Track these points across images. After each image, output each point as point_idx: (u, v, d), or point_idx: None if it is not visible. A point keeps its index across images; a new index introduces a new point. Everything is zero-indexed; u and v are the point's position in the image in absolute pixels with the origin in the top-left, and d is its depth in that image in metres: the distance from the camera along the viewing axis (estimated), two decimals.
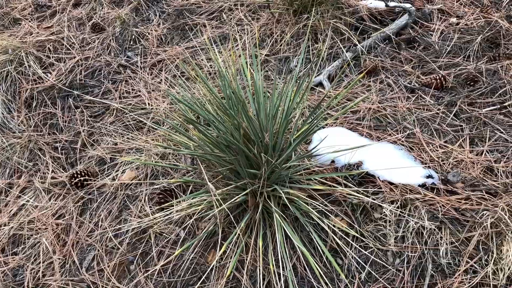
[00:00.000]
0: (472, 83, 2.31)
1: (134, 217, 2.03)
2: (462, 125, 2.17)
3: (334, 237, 1.78)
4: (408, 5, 2.73)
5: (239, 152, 1.80)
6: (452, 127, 2.17)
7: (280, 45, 2.69)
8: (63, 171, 2.36)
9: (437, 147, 2.11)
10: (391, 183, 1.96)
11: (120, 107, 2.53)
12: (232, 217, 1.84)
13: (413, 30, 2.66)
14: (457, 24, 2.69)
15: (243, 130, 1.77)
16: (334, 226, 1.80)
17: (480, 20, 2.68)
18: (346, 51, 2.57)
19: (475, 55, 2.48)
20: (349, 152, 1.96)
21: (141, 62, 2.81)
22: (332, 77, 2.51)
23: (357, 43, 2.59)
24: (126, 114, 2.51)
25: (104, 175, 2.27)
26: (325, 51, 2.60)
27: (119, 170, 2.26)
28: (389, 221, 1.81)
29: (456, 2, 2.86)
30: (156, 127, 2.37)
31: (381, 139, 2.17)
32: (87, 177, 2.23)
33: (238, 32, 2.85)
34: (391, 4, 2.75)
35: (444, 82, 2.33)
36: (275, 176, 1.87)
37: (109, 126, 2.47)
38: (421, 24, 2.70)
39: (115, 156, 2.34)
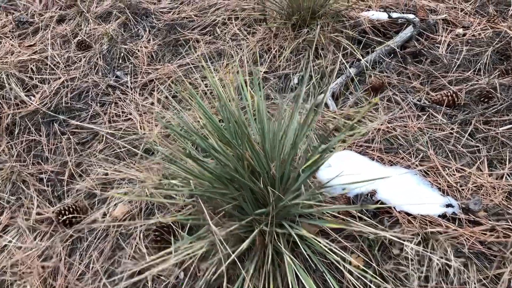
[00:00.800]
0: (486, 100, 2.17)
1: (128, 258, 1.85)
2: (478, 146, 2.03)
3: (351, 277, 1.62)
4: (411, 16, 2.59)
5: (244, 186, 1.64)
6: (468, 148, 2.03)
7: (280, 61, 2.53)
8: (49, 206, 2.17)
9: (453, 171, 1.96)
10: (409, 214, 1.81)
11: (110, 132, 2.35)
12: (236, 258, 1.67)
13: (418, 42, 2.52)
14: (464, 35, 2.55)
15: (247, 161, 1.61)
16: (350, 263, 1.64)
17: (487, 30, 2.55)
18: (350, 67, 2.42)
19: (485, 68, 2.34)
20: (366, 184, 1.80)
21: (131, 82, 2.63)
22: (337, 95, 2.36)
23: (360, 57, 2.44)
24: (117, 140, 2.33)
25: (94, 210, 2.09)
26: (327, 67, 2.45)
27: (110, 204, 2.08)
28: (410, 259, 1.66)
29: (461, 11, 2.73)
30: (148, 157, 2.20)
31: (394, 163, 2.02)
32: (75, 214, 2.04)
33: (234, 47, 2.68)
34: (394, 15, 2.60)
35: (456, 99, 2.18)
36: (284, 212, 1.71)
37: (99, 155, 2.29)
38: (427, 36, 2.56)
39: (106, 188, 2.16)
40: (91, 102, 2.59)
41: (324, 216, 1.78)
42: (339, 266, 1.62)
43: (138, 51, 2.83)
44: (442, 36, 2.53)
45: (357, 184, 1.84)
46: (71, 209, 2.05)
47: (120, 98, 2.57)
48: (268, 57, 2.58)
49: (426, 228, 1.74)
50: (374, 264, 1.67)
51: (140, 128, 2.37)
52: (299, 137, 1.69)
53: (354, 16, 2.65)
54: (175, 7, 3.15)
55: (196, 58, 2.67)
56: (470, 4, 2.77)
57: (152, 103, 2.49)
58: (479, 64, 2.35)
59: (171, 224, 1.93)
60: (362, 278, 1.63)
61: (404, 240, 1.65)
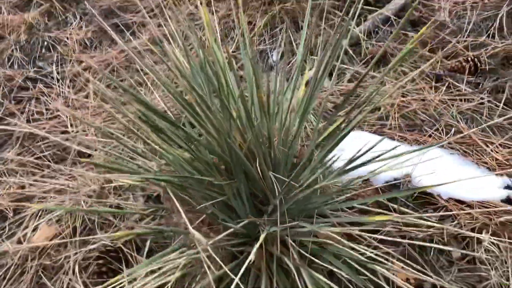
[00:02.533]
0: None
1: None
2: None
3: None
4: None
5: (236, 170, 1.06)
6: (508, 120, 1.58)
7: (252, 37, 2.02)
8: None
9: (498, 147, 1.49)
10: (461, 202, 1.30)
11: (28, 133, 1.70)
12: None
13: (415, 10, 2.10)
14: (463, 2, 2.17)
15: (239, 130, 1.05)
16: (394, 273, 1.08)
17: None
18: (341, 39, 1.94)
19: (499, 33, 1.94)
20: (396, 168, 1.27)
21: (58, 73, 2.00)
22: (330, 71, 1.85)
23: (353, 27, 1.98)
24: (38, 142, 1.68)
25: (3, 238, 1.41)
26: (312, 41, 1.96)
27: (28, 227, 1.41)
28: (485, 262, 1.13)
29: None
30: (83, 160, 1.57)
31: (421, 143, 1.52)
32: None
33: (191, 28, 2.13)
34: None
35: (478, 65, 1.75)
36: (296, 209, 1.14)
37: (11, 163, 1.62)
38: (423, 4, 2.15)
39: (22, 207, 1.49)
40: (3, 99, 1.93)
41: (352, 214, 1.23)
42: (381, 282, 1.07)
43: (68, 38, 2.21)
44: (440, 3, 2.13)
45: (382, 172, 1.31)
46: None
47: (43, 92, 1.93)
48: (236, 35, 2.06)
49: (491, 218, 1.23)
50: (432, 274, 1.12)
51: (71, 126, 1.74)
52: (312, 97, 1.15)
53: None
54: None
55: (143, 42, 2.10)
56: None
57: (87, 95, 1.88)
58: (492, 28, 1.94)
59: (122, 246, 1.30)
60: None
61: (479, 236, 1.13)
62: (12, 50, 2.18)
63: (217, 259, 0.86)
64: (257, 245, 0.95)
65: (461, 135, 1.50)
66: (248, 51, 1.26)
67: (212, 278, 0.93)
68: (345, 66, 1.88)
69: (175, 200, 0.94)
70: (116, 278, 0.97)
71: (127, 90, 1.06)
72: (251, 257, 0.89)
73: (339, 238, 1.07)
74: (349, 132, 1.13)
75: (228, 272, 0.87)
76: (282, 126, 1.19)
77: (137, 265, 1.12)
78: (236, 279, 0.83)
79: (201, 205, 1.05)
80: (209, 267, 0.99)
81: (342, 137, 1.14)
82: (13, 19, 2.41)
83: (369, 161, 1.14)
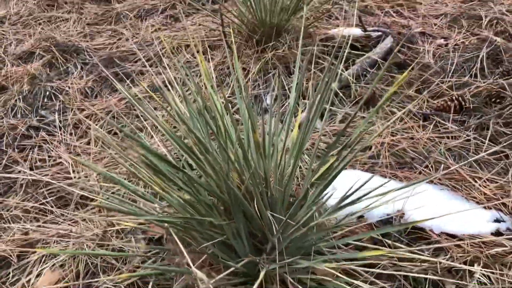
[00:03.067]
0: (498, 100, 1.84)
1: None
2: (504, 151, 1.65)
3: None
4: (387, 30, 2.32)
5: (235, 211, 1.11)
6: (493, 155, 1.65)
7: (246, 83, 2.11)
8: None
9: (485, 182, 1.55)
10: (453, 236, 1.35)
11: (31, 180, 1.76)
12: None
13: (401, 53, 2.21)
14: (446, 45, 2.29)
15: (237, 172, 1.10)
16: None
17: (469, 38, 2.31)
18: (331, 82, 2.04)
19: (481, 73, 2.04)
20: (388, 203, 1.32)
21: (60, 121, 2.08)
22: (321, 113, 1.94)
23: (342, 71, 2.08)
24: (41, 189, 1.73)
25: (7, 285, 1.43)
26: (303, 84, 2.05)
27: (32, 273, 1.44)
28: None
29: (435, 25, 2.50)
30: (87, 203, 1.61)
31: (411, 180, 1.58)
32: None
33: (188, 75, 2.24)
34: (369, 29, 2.31)
35: (463, 103, 1.84)
36: (293, 247, 1.18)
37: (15, 210, 1.66)
38: (408, 47, 2.27)
39: (26, 253, 1.53)
40: (6, 148, 1.98)
41: (347, 251, 1.27)
42: None
43: (69, 88, 2.30)
44: (424, 46, 2.25)
45: (377, 208, 1.36)
46: None
47: (46, 140, 1.99)
48: (231, 80, 2.15)
49: (482, 251, 1.28)
50: None
51: (73, 172, 1.80)
52: (305, 138, 1.22)
53: (323, 33, 2.32)
54: (112, 43, 2.70)
55: (142, 90, 2.19)
56: (440, 20, 2.55)
57: (89, 142, 1.94)
58: (473, 69, 2.05)
59: None
60: None
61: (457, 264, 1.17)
62: (16, 100, 2.26)
63: None
64: (257, 283, 0.99)
65: (449, 169, 1.56)
66: (243, 95, 1.34)
67: None
68: (336, 108, 1.96)
69: (178, 241, 0.98)
70: None
71: (129, 135, 1.12)
72: None
73: (337, 273, 1.11)
74: (341, 170, 1.19)
75: None
76: (278, 166, 1.25)
77: None
78: None
79: (202, 245, 1.09)
80: None
81: (335, 175, 1.21)
82: (17, 70, 2.51)
83: (360, 198, 1.20)
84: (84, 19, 3.00)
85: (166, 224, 1.00)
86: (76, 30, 2.88)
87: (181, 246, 0.96)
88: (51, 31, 2.88)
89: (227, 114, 1.27)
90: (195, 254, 1.12)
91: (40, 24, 2.99)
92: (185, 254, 0.94)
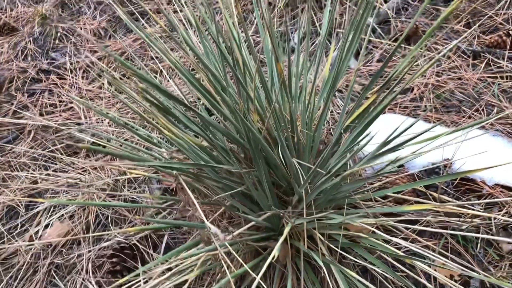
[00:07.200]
0: None
1: None
2: None
3: None
4: None
5: (257, 156, 0.95)
6: None
7: (272, 19, 1.90)
8: None
9: None
10: (509, 188, 1.17)
11: (42, 126, 1.64)
12: None
13: None
14: None
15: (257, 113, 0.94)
16: (435, 269, 0.96)
17: None
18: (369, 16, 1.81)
19: None
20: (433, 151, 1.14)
21: (71, 64, 1.93)
22: (357, 51, 1.73)
23: (380, 4, 1.84)
24: (51, 135, 1.61)
25: (15, 235, 1.34)
26: (336, 20, 1.83)
27: (40, 224, 1.34)
28: None
29: None
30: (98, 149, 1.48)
31: (459, 124, 1.38)
32: None
33: (207, 13, 2.03)
34: None
35: None
36: (321, 200, 1.02)
37: (23, 157, 1.56)
38: None
39: (35, 202, 1.43)
40: (16, 92, 1.86)
41: (384, 203, 1.11)
42: (421, 279, 0.95)
43: (81, 28, 2.14)
44: None
45: (419, 157, 1.18)
46: None
47: (57, 84, 1.86)
48: (255, 18, 1.95)
49: None
50: (479, 270, 0.99)
51: (85, 118, 1.67)
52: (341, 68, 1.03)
53: None
54: None
55: (159, 29, 2.00)
56: None
57: (101, 86, 1.80)
58: None
59: (137, 243, 1.21)
60: None
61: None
62: (26, 42, 2.12)
63: (236, 255, 0.76)
64: (281, 240, 0.84)
65: (504, 113, 1.35)
66: (266, 21, 1.15)
67: (232, 277, 0.83)
68: (373, 45, 1.75)
69: (188, 191, 0.84)
70: (131, 275, 0.88)
71: (142, 76, 0.96)
72: (275, 253, 0.79)
73: (373, 229, 0.95)
74: (381, 111, 1.01)
75: (249, 270, 0.77)
76: (306, 108, 1.08)
77: (152, 262, 1.03)
78: (258, 278, 0.73)
79: (219, 196, 0.95)
80: (228, 266, 0.89)
81: (373, 118, 1.02)
82: (27, 11, 2.35)
83: (403, 144, 1.02)
84: None
85: (174, 172, 0.85)
86: None
87: (192, 196, 0.81)
88: None
89: (246, 43, 1.08)
90: (211, 206, 0.98)
91: None
92: (197, 206, 0.80)
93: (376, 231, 0.95)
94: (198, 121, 1.01)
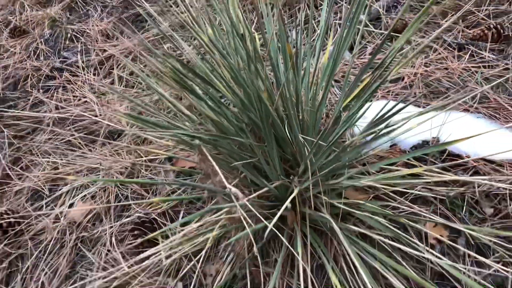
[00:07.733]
0: None
1: (97, 271, 1.23)
2: None
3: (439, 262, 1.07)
4: None
5: (266, 133, 1.08)
6: None
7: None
8: None
9: None
10: (491, 161, 1.30)
11: (58, 118, 1.75)
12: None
13: None
14: None
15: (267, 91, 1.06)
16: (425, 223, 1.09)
17: None
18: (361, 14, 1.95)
19: None
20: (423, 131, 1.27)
21: (83, 62, 2.05)
22: (351, 45, 1.87)
23: (371, 3, 1.98)
24: (68, 126, 1.73)
25: (41, 216, 1.45)
26: (330, 18, 1.97)
27: (65, 204, 1.46)
28: None
29: None
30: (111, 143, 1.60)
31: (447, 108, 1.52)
32: (13, 220, 1.40)
33: (211, 14, 2.16)
34: None
35: (501, 31, 1.74)
36: (327, 167, 1.15)
37: (44, 145, 1.67)
38: None
39: (57, 186, 1.54)
40: (31, 89, 1.98)
41: (381, 174, 1.24)
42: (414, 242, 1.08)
43: (90, 30, 2.26)
44: None
45: (408, 135, 1.32)
46: (7, 218, 1.41)
47: (70, 80, 1.98)
48: (255, 16, 2.08)
49: None
50: (466, 230, 1.12)
51: (99, 110, 1.78)
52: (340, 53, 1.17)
53: None
54: None
55: (164, 29, 2.13)
56: None
57: (113, 81, 1.92)
58: None
59: (156, 217, 1.33)
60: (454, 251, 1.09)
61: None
62: (37, 43, 2.24)
63: (255, 211, 0.88)
64: (289, 199, 0.97)
65: (485, 97, 1.49)
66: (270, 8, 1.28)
67: (250, 231, 0.95)
68: (365, 40, 1.89)
69: (211, 159, 0.96)
70: (156, 232, 1.00)
71: (167, 52, 1.09)
72: (287, 204, 0.91)
73: (370, 196, 1.08)
74: (376, 89, 1.14)
75: (265, 221, 0.89)
76: (310, 88, 1.21)
77: (173, 223, 1.15)
78: (270, 226, 0.85)
79: (234, 163, 1.07)
80: (247, 221, 1.01)
81: (368, 96, 1.16)
82: (36, 15, 2.47)
83: (394, 114, 1.15)
84: None
85: (198, 142, 0.97)
86: None
87: (213, 162, 0.93)
88: None
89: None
90: (226, 174, 1.11)
91: None
92: (219, 171, 0.92)
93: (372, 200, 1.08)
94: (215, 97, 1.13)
